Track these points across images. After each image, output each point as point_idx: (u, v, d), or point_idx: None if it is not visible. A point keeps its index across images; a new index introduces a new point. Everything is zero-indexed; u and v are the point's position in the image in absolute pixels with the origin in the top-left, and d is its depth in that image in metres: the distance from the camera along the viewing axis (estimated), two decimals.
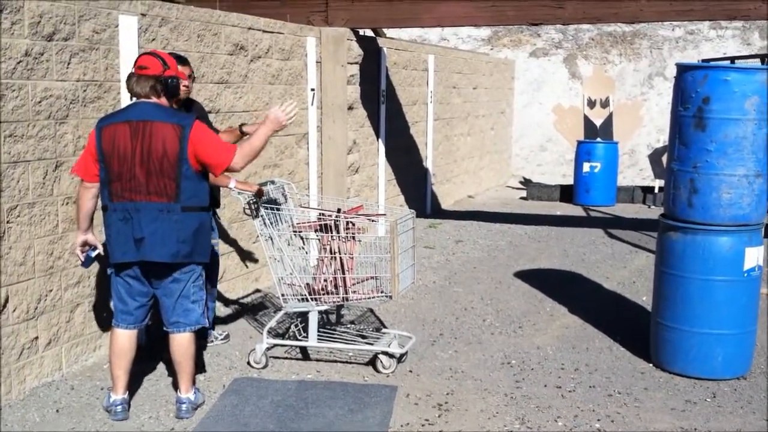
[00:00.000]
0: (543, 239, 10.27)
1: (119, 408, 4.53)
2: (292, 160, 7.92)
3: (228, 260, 6.88)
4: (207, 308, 4.74)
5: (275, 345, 5.58)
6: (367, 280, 5.51)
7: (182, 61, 5.27)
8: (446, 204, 13.11)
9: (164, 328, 4.60)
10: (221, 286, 6.67)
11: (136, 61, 4.46)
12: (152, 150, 4.25)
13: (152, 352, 5.45)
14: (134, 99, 4.45)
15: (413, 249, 5.44)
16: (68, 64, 5.05)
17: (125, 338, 4.54)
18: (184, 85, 5.24)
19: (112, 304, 4.63)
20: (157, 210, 4.30)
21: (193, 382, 4.70)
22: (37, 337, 4.91)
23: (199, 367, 5.23)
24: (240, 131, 5.52)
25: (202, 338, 5.54)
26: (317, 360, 5.58)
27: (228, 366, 5.47)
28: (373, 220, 5.77)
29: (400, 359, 5.50)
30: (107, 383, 4.88)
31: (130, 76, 4.41)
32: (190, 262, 4.44)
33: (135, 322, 4.56)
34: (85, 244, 4.54)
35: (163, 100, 4.43)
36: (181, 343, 4.55)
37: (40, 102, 4.85)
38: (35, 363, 4.92)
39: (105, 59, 5.33)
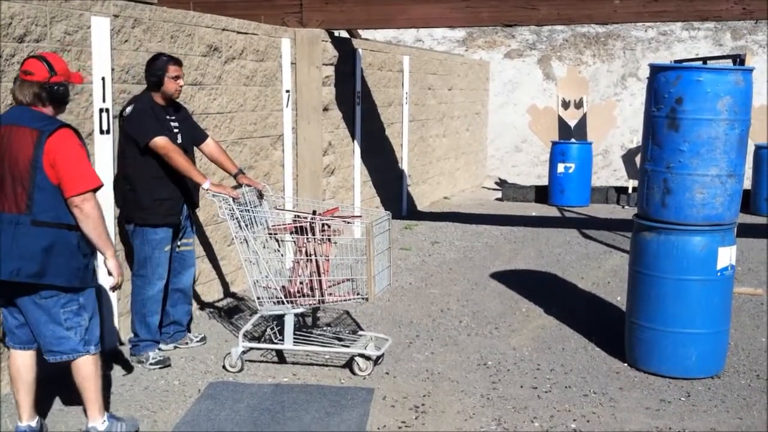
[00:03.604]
0: (518, 240, 10.30)
1: None
2: (267, 162, 7.88)
3: (203, 263, 6.84)
4: (87, 331, 4.15)
5: (251, 348, 5.55)
6: (343, 282, 5.50)
7: (175, 62, 5.42)
8: (422, 205, 13.13)
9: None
10: (196, 289, 6.63)
11: (21, 64, 4.11)
12: (7, 156, 3.90)
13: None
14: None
15: (389, 251, 5.44)
16: None
17: (19, 360, 4.18)
18: (179, 86, 5.44)
19: None
20: (6, 222, 3.90)
21: (107, 408, 4.33)
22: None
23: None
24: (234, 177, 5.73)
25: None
26: (293, 363, 5.56)
27: (203, 370, 5.43)
28: (348, 222, 5.76)
29: (376, 361, 5.49)
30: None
31: (15, 80, 4.10)
32: (41, 284, 3.95)
33: (21, 343, 4.17)
34: None
35: (49, 109, 4.05)
36: (76, 367, 4.13)
37: (11, 104, 4.78)
38: (5, 370, 4.84)
39: (77, 61, 5.27)
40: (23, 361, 4.18)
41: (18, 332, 4.17)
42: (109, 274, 4.12)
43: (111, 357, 4.91)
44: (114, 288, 4.20)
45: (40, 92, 4.02)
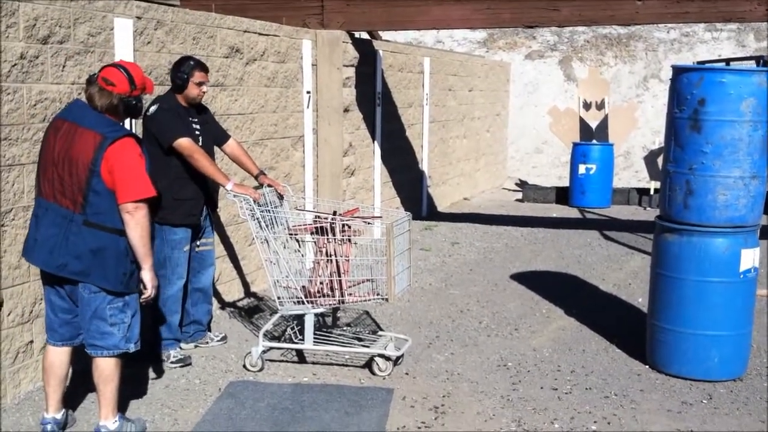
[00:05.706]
0: (539, 241, 10.27)
1: (48, 427, 4.27)
2: (288, 163, 7.91)
3: (223, 263, 6.87)
4: (129, 330, 4.22)
5: (271, 348, 5.57)
6: (363, 282, 5.51)
7: (202, 68, 5.44)
8: (442, 206, 13.12)
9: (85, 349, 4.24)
10: (217, 289, 6.66)
11: (101, 70, 4.15)
12: (67, 154, 4.00)
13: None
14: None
15: (409, 251, 5.44)
16: (63, 67, 5.04)
17: (54, 355, 4.26)
18: (202, 91, 5.47)
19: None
20: (61, 216, 4.02)
21: (120, 409, 4.34)
22: (32, 341, 4.89)
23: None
24: (255, 178, 5.76)
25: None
26: (313, 363, 5.57)
27: (224, 369, 5.46)
28: (368, 223, 5.77)
29: (396, 362, 5.49)
30: None
31: (91, 81, 4.13)
32: (84, 282, 4.06)
33: (62, 340, 4.26)
34: None
35: (118, 117, 4.18)
36: (99, 366, 4.18)
37: (35, 105, 4.84)
38: (30, 367, 4.90)
39: (100, 62, 5.31)
40: (59, 357, 4.28)
41: (61, 330, 4.26)
42: (143, 285, 4.19)
43: (132, 355, 4.93)
44: (146, 300, 4.28)
45: (118, 105, 4.12)
